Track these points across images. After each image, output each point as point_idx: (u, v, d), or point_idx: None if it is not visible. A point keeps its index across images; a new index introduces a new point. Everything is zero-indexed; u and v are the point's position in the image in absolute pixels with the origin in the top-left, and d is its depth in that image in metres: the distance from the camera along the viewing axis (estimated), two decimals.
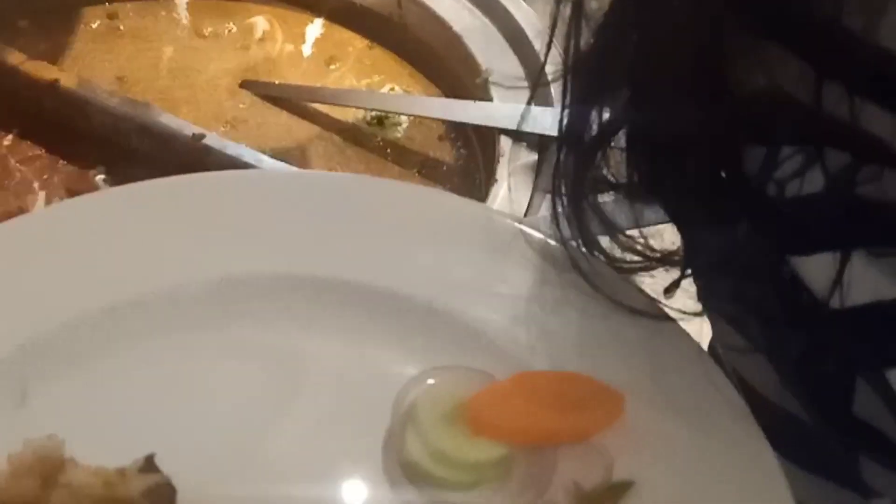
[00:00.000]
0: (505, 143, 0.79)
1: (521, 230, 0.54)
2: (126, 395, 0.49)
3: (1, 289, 0.50)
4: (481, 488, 0.46)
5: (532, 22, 0.87)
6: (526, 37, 0.86)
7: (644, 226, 0.51)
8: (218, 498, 0.46)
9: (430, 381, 0.49)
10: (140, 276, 0.51)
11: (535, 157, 0.78)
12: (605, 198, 0.50)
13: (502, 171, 0.77)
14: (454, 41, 0.88)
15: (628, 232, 0.51)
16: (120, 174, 0.80)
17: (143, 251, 0.52)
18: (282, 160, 0.79)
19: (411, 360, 0.50)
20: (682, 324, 0.51)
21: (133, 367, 0.49)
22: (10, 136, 0.82)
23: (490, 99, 0.83)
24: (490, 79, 0.84)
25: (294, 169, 0.77)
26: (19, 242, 0.53)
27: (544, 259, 0.53)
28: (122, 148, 0.80)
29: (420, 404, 0.48)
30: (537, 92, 0.83)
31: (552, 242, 0.53)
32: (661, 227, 0.50)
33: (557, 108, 0.78)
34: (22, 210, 0.75)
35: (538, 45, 0.85)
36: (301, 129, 0.87)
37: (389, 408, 0.48)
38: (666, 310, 0.51)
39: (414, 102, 0.90)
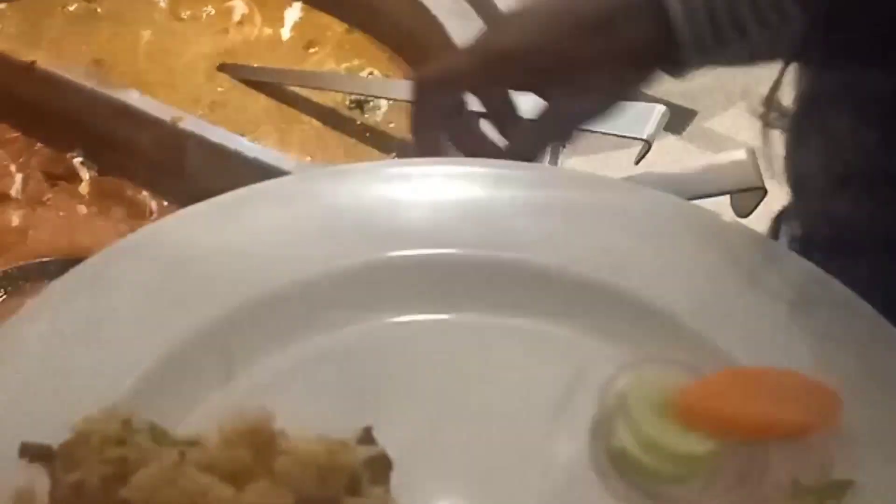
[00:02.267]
0: (482, 125, 0.79)
1: (724, 223, 0.54)
2: (327, 371, 0.50)
3: (211, 261, 0.52)
4: (691, 482, 0.46)
5: (511, 4, 0.87)
6: None
7: None
8: (424, 473, 0.46)
9: (640, 371, 0.48)
10: (336, 254, 0.53)
11: None
12: None
13: None
14: (433, 25, 0.88)
15: None
16: (98, 157, 0.80)
17: (336, 232, 0.54)
18: (260, 144, 0.79)
19: (615, 349, 0.50)
20: None
21: (333, 345, 0.51)
22: None
23: None
24: None
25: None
26: (223, 222, 0.54)
27: (752, 255, 0.53)
28: (99, 130, 0.79)
29: (631, 394, 0.47)
30: None
31: (758, 238, 0.52)
32: None
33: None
34: None
35: None
36: (280, 113, 0.87)
37: (590, 396, 0.48)
38: None
39: (393, 86, 0.89)
